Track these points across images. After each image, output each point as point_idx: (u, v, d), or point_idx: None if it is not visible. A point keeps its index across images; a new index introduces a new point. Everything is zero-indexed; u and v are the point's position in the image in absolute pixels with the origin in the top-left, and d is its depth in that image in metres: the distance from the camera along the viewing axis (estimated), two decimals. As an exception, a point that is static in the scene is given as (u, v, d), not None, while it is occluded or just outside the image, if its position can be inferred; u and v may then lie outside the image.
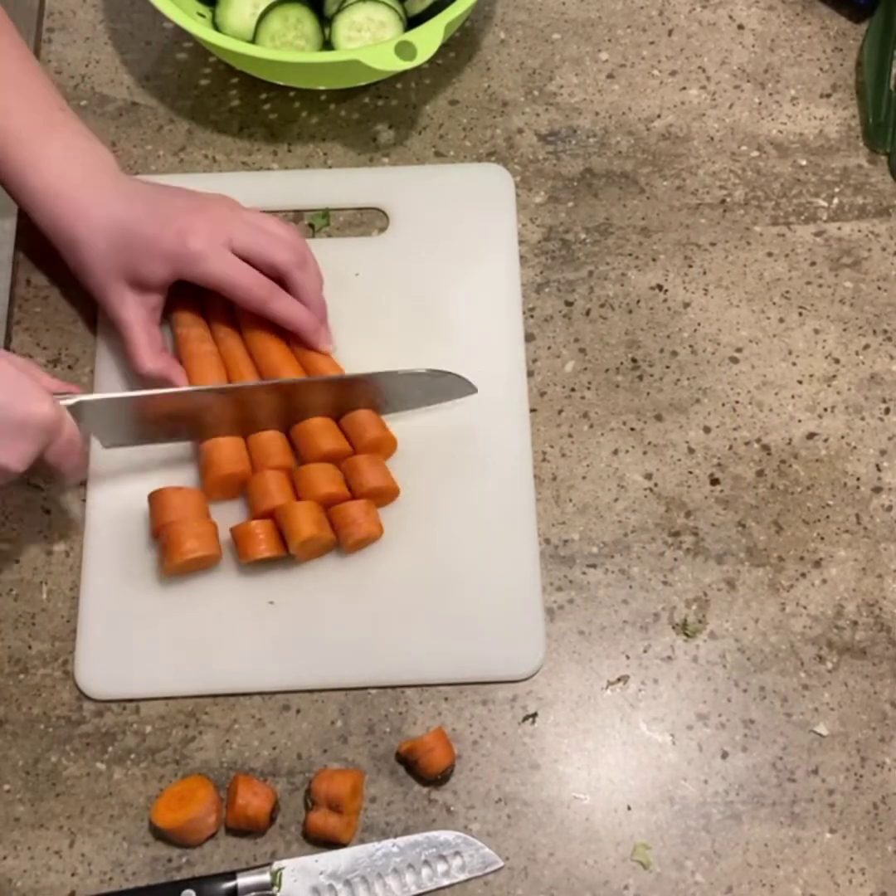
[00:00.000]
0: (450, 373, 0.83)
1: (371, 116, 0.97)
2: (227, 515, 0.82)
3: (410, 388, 0.84)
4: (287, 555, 0.80)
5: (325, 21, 0.95)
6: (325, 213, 0.92)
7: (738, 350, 0.89)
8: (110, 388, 0.86)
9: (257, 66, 0.91)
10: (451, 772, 0.77)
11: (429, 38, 0.87)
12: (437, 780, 0.77)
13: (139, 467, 0.83)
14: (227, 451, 0.81)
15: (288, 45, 0.93)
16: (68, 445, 0.74)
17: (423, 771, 0.76)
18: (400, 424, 0.84)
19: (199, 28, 0.87)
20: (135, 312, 0.83)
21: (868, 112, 0.96)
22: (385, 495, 0.82)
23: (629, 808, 0.77)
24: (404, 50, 0.86)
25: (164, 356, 0.84)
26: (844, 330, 0.90)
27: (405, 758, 0.77)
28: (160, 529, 0.79)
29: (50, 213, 0.82)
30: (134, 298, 0.83)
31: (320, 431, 0.82)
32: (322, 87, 0.96)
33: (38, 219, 0.83)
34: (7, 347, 0.88)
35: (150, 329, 0.83)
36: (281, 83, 0.95)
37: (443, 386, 0.84)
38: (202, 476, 0.81)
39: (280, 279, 0.83)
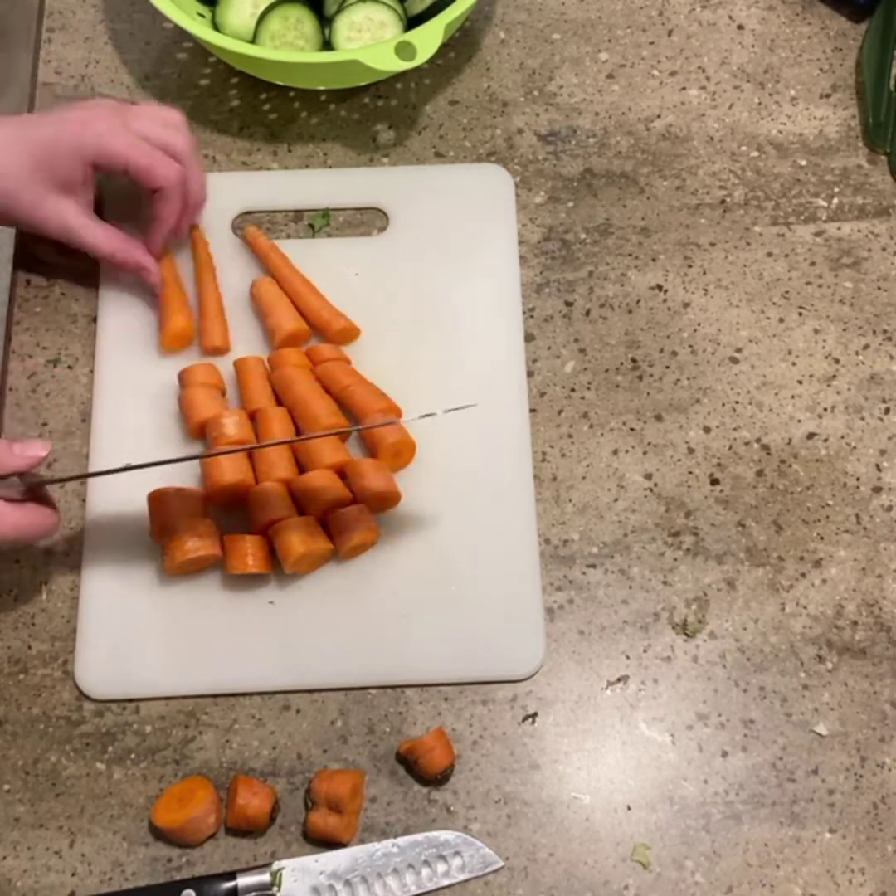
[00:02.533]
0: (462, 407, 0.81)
1: (371, 116, 0.97)
2: (231, 524, 0.82)
3: None
4: (276, 571, 0.80)
5: (325, 21, 0.95)
6: (325, 213, 0.92)
7: (738, 350, 0.89)
8: (110, 388, 0.86)
9: (257, 66, 0.91)
10: (451, 772, 0.77)
11: (429, 39, 0.87)
12: (437, 780, 0.77)
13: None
14: (227, 461, 0.80)
15: (288, 46, 0.93)
16: (31, 528, 0.74)
17: (423, 771, 0.76)
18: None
19: (199, 28, 0.87)
20: (75, 215, 0.84)
21: (868, 112, 0.96)
22: (387, 500, 0.82)
23: (629, 808, 0.77)
24: (404, 50, 0.86)
25: (123, 239, 0.86)
26: (844, 330, 0.90)
27: (405, 758, 0.77)
28: (160, 529, 0.79)
29: None
30: (68, 204, 0.83)
31: (322, 444, 0.82)
32: (322, 88, 0.96)
33: None
34: (7, 347, 0.88)
35: (99, 225, 0.85)
36: (281, 83, 0.95)
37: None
38: (203, 486, 0.81)
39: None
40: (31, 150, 0.81)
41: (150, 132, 0.84)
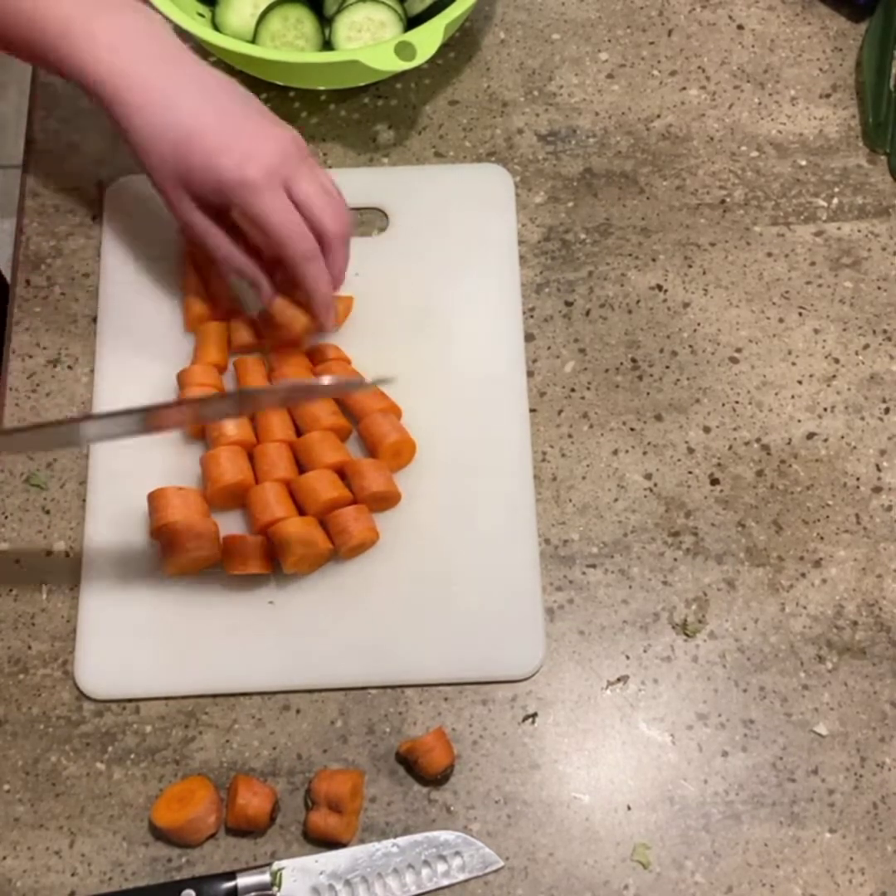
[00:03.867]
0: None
1: (371, 116, 0.97)
2: (231, 524, 0.82)
3: None
4: (276, 571, 0.80)
5: (324, 21, 0.95)
6: None
7: (738, 350, 0.89)
8: (110, 388, 0.86)
9: (257, 66, 0.91)
10: (451, 772, 0.77)
11: (429, 39, 0.87)
12: (437, 780, 0.77)
13: (139, 467, 0.83)
14: (226, 462, 0.81)
15: (288, 46, 0.93)
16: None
17: (423, 771, 0.76)
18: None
19: (199, 28, 0.87)
20: (199, 215, 0.80)
21: (868, 112, 0.96)
22: (387, 500, 0.82)
23: (629, 808, 0.77)
24: (404, 50, 0.86)
25: (238, 254, 0.81)
26: (844, 330, 0.90)
27: (405, 758, 0.77)
28: (160, 529, 0.79)
29: (116, 100, 0.76)
30: (190, 203, 0.79)
31: (322, 444, 0.82)
32: (322, 88, 0.96)
33: (103, 104, 0.78)
34: (7, 347, 0.88)
35: (219, 232, 0.80)
36: (281, 83, 0.95)
37: None
38: (204, 487, 0.82)
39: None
40: (185, 149, 0.76)
41: (312, 198, 0.78)
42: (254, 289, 0.83)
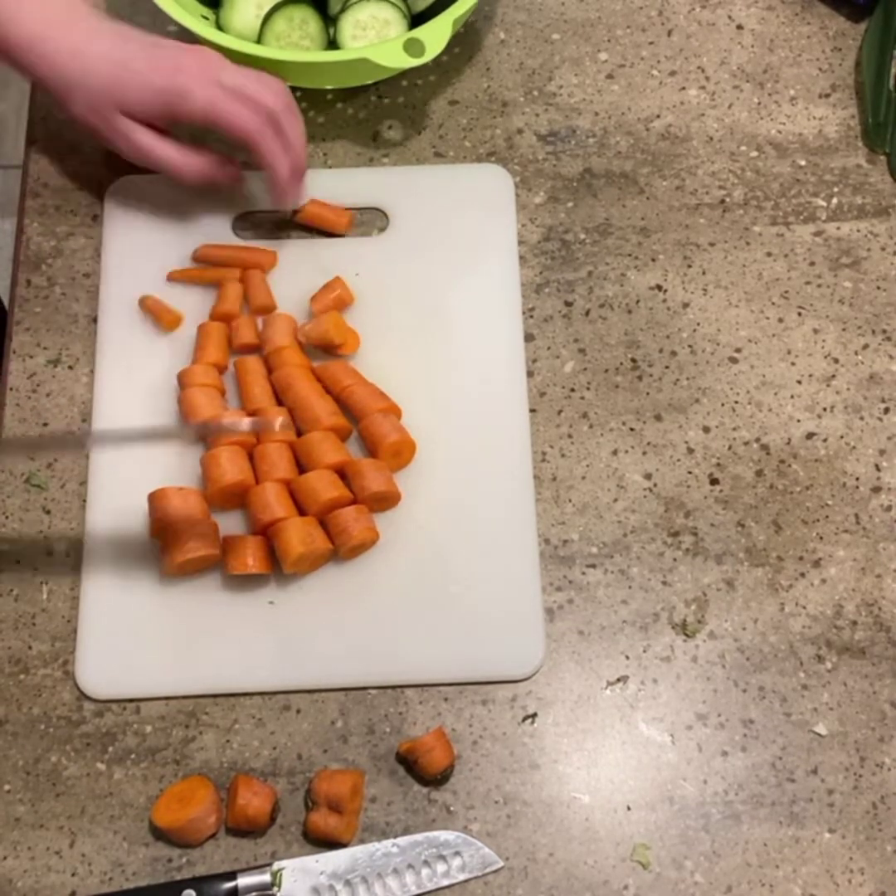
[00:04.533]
0: None
1: (371, 117, 0.97)
2: (232, 524, 0.82)
3: None
4: (276, 571, 0.80)
5: (329, 21, 0.95)
6: None
7: (738, 350, 0.89)
8: (110, 388, 0.86)
9: (264, 66, 0.90)
10: (450, 772, 0.77)
11: (437, 35, 0.87)
12: (437, 780, 0.77)
13: (139, 467, 0.83)
14: (227, 462, 0.81)
15: (293, 46, 0.92)
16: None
17: (423, 771, 0.76)
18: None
19: (206, 30, 0.87)
20: (143, 133, 0.85)
21: (867, 112, 0.96)
22: (387, 500, 0.82)
23: (629, 808, 0.77)
24: (413, 47, 0.86)
25: (194, 153, 0.86)
26: (844, 330, 0.90)
27: (405, 758, 0.77)
28: (160, 529, 0.79)
29: (40, 58, 0.83)
30: (139, 126, 0.84)
31: (322, 444, 0.82)
32: (329, 87, 0.96)
33: (27, 69, 0.84)
34: (7, 347, 0.88)
35: (170, 143, 0.86)
36: (288, 83, 0.94)
37: None
38: (204, 487, 0.82)
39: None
40: (117, 75, 0.82)
41: (240, 86, 0.83)
42: (221, 176, 0.88)
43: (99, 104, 0.83)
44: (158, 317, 0.87)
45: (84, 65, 0.82)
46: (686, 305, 0.91)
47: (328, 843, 0.75)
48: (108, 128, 0.85)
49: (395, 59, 0.86)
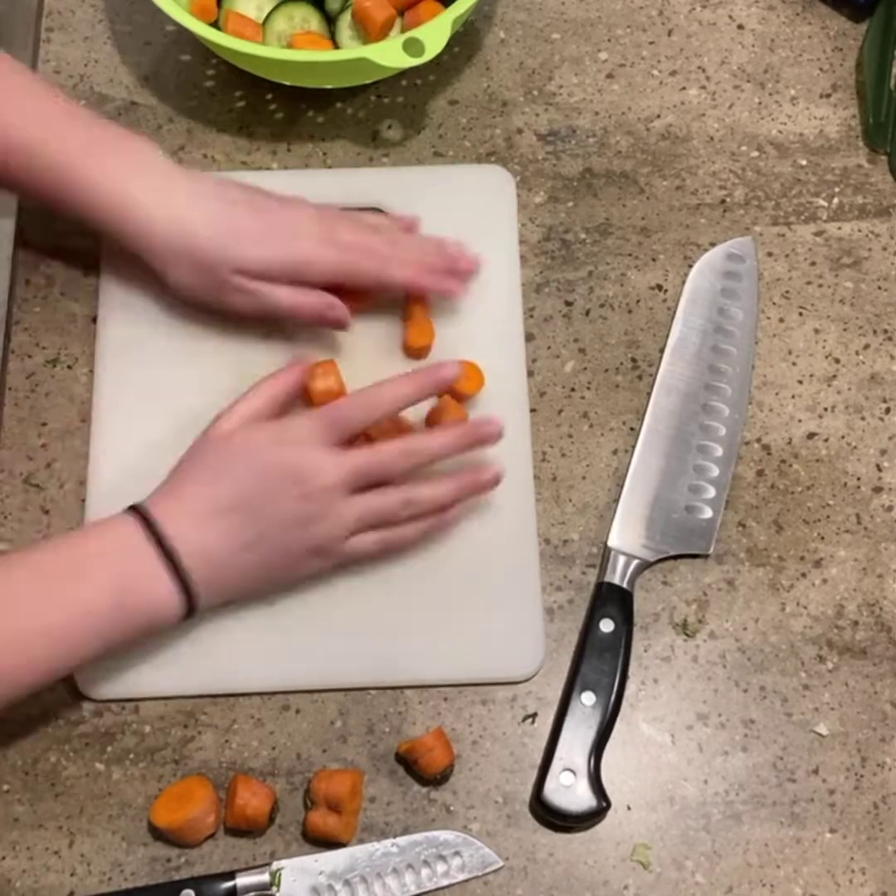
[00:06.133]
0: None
1: (370, 117, 0.97)
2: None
3: None
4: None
5: (329, 20, 0.95)
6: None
7: (738, 350, 0.89)
8: (110, 388, 0.86)
9: (265, 66, 0.91)
10: (450, 772, 0.77)
11: (437, 35, 0.86)
12: (437, 780, 0.77)
13: (139, 467, 0.83)
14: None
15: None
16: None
17: (422, 771, 0.76)
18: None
19: (207, 30, 0.87)
20: (262, 287, 0.81)
21: (868, 111, 0.96)
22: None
23: (629, 808, 0.77)
24: (412, 46, 0.86)
25: (303, 292, 0.83)
26: (844, 330, 0.90)
27: (405, 758, 0.77)
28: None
29: (135, 227, 0.80)
30: (252, 281, 0.81)
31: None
32: (329, 87, 0.96)
33: (117, 237, 0.81)
34: (7, 347, 0.88)
35: (297, 290, 0.82)
36: (288, 83, 0.94)
37: None
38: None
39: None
40: (224, 241, 0.79)
41: (356, 243, 0.82)
42: (332, 319, 0.84)
43: (209, 269, 0.80)
44: None
45: (187, 231, 0.79)
46: (686, 305, 0.91)
47: (327, 842, 0.75)
48: (218, 287, 0.81)
49: (395, 58, 0.86)
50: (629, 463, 0.84)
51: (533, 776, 0.77)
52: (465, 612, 0.80)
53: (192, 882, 0.73)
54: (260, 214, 0.81)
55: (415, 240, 0.86)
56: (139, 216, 0.79)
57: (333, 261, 0.81)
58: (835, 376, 0.89)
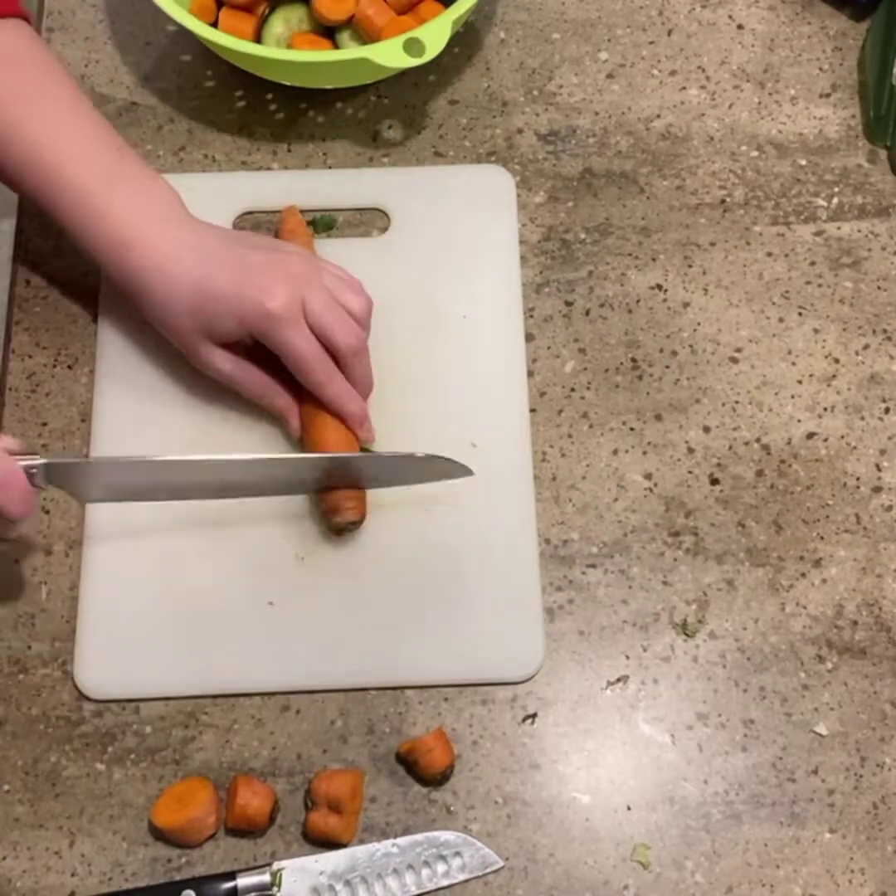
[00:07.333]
0: (445, 459, 0.79)
1: (371, 117, 0.97)
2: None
3: (401, 470, 0.81)
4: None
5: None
6: (330, 223, 0.92)
7: (738, 350, 0.89)
8: (111, 388, 0.86)
9: (265, 66, 0.91)
10: (450, 772, 0.77)
11: (437, 35, 0.86)
12: (437, 780, 0.77)
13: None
14: None
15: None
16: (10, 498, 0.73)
17: (422, 771, 0.76)
18: (400, 424, 0.84)
19: (207, 30, 0.87)
20: (224, 361, 0.81)
21: (869, 105, 0.96)
22: None
23: (629, 808, 0.77)
24: (413, 47, 0.86)
25: (271, 385, 0.82)
26: (844, 330, 0.90)
27: (405, 758, 0.77)
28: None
29: (123, 265, 0.80)
30: (219, 352, 0.81)
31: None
32: (329, 87, 0.96)
33: (110, 270, 0.81)
34: (7, 347, 0.88)
35: (246, 370, 0.82)
36: (288, 83, 0.94)
37: (437, 469, 0.80)
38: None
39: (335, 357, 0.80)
40: (200, 303, 0.78)
41: (323, 318, 0.78)
42: (283, 420, 0.83)
43: (183, 329, 0.80)
44: None
45: (166, 286, 0.79)
46: (686, 305, 0.91)
47: (328, 843, 0.75)
48: (187, 348, 0.81)
49: (395, 59, 0.86)
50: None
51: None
52: (466, 612, 0.80)
53: (192, 882, 0.73)
54: (234, 271, 0.79)
55: (366, 365, 0.83)
56: (130, 260, 0.79)
57: (288, 340, 0.78)
58: (834, 376, 0.89)
